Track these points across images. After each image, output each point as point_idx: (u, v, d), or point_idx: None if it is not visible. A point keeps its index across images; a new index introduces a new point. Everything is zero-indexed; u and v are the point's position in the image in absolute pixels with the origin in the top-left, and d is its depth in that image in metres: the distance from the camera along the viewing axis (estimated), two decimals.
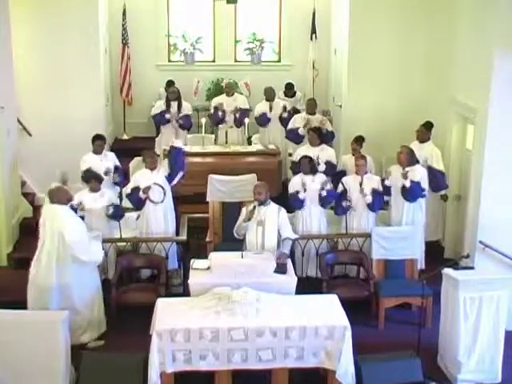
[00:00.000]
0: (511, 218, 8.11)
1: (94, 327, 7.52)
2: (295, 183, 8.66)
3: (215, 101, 11.06)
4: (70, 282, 7.27)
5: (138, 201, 8.43)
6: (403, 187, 8.40)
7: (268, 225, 7.65)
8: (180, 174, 8.60)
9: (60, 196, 7.36)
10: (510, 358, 7.07)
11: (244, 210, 7.79)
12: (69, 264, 7.24)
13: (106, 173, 8.90)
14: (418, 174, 8.46)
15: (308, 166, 8.62)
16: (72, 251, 7.20)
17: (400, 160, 8.57)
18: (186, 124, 10.54)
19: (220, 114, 10.76)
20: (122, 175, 9.24)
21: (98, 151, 9.11)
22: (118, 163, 9.29)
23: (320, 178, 8.62)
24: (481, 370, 6.94)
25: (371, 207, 8.51)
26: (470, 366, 6.91)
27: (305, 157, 8.76)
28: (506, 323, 6.96)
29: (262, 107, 10.89)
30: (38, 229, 7.36)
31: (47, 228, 7.24)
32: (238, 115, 10.69)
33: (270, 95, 10.92)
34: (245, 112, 10.75)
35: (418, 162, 8.63)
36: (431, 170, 8.85)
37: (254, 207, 7.63)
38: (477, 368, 6.92)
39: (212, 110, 10.96)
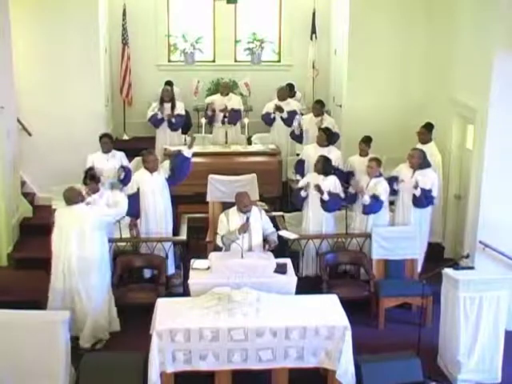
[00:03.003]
0: (511, 217, 8.11)
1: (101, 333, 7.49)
2: (304, 180, 8.66)
3: (207, 99, 11.10)
4: (84, 287, 7.29)
5: (134, 207, 8.36)
6: (414, 196, 8.34)
7: (254, 230, 7.60)
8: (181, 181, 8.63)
9: (75, 196, 7.40)
10: (510, 358, 7.07)
11: (224, 219, 7.66)
12: (87, 269, 7.28)
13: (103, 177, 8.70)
14: (429, 180, 8.38)
15: (322, 165, 8.52)
16: (109, 219, 7.65)
17: (412, 163, 8.50)
18: (178, 123, 10.43)
19: (209, 112, 10.71)
20: (129, 175, 9.13)
21: (104, 149, 9.10)
22: (125, 163, 9.20)
23: (331, 180, 8.51)
24: (481, 370, 6.94)
25: (364, 209, 8.37)
26: (470, 366, 6.91)
27: (321, 156, 8.69)
28: (506, 323, 6.96)
29: (270, 107, 10.76)
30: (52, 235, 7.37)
31: (65, 231, 7.26)
32: (228, 115, 10.62)
33: (282, 95, 10.76)
34: (236, 113, 10.68)
35: (429, 165, 8.52)
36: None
37: (248, 219, 7.56)
38: (477, 368, 6.92)
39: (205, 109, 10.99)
